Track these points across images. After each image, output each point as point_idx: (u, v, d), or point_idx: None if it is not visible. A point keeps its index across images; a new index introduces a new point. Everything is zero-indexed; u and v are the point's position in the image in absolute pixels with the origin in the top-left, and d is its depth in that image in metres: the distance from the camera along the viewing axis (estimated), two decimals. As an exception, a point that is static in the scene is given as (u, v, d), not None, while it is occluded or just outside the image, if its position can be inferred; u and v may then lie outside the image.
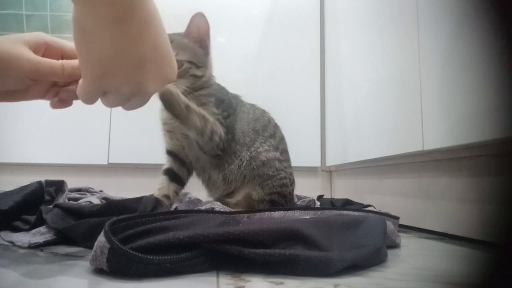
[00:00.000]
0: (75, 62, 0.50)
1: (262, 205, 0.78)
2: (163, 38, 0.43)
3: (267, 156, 0.80)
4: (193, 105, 0.71)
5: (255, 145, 0.81)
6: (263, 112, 0.89)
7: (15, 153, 1.40)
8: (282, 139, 0.87)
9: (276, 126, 0.88)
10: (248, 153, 0.80)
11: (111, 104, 0.45)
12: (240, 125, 0.82)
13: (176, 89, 0.69)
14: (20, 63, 0.47)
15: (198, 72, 0.77)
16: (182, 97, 0.69)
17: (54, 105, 0.54)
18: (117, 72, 0.41)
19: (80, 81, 0.43)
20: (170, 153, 0.83)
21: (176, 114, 0.70)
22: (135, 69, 0.41)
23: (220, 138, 0.76)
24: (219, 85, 0.85)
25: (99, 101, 0.47)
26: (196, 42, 0.78)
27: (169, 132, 0.81)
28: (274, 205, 0.78)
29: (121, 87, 0.42)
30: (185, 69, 0.75)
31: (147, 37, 0.41)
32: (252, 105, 0.89)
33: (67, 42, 0.53)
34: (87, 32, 0.39)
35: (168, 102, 0.68)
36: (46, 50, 0.51)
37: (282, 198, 0.80)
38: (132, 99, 0.45)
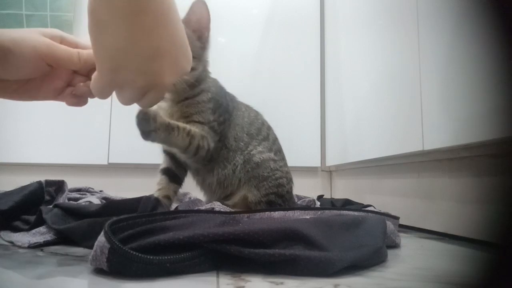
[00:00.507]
0: (91, 50, 0.49)
1: (259, 206, 0.78)
2: (179, 29, 0.43)
3: (261, 158, 0.79)
4: (175, 123, 0.69)
5: (248, 149, 0.80)
6: (257, 114, 0.88)
7: (15, 153, 1.40)
8: (275, 140, 0.87)
9: (269, 128, 0.88)
10: (242, 157, 0.79)
11: (126, 100, 0.44)
12: (234, 131, 0.81)
13: (154, 112, 0.65)
14: (36, 45, 0.46)
15: None
16: (160, 119, 0.66)
17: (69, 102, 0.53)
18: (131, 64, 0.40)
19: (94, 74, 0.43)
20: (166, 151, 0.81)
21: (148, 132, 0.66)
22: (150, 61, 0.41)
23: (208, 151, 0.74)
24: (216, 82, 0.83)
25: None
26: (194, 32, 0.75)
27: None
28: (271, 206, 0.78)
29: (135, 80, 0.41)
30: None
31: (163, 28, 0.40)
32: (247, 107, 0.88)
33: (81, 39, 0.52)
34: (102, 24, 0.38)
35: (143, 121, 0.64)
36: (62, 43, 0.50)
37: (279, 198, 0.80)
38: (147, 93, 0.44)
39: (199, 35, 0.77)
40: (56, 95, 0.52)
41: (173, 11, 0.41)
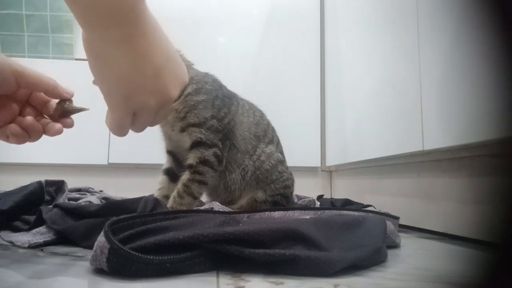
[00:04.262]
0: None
1: (265, 205, 0.78)
2: (169, 45, 0.45)
3: (271, 163, 0.79)
4: (171, 199, 0.72)
5: (257, 152, 0.79)
6: (262, 114, 0.87)
7: (15, 153, 1.40)
8: (278, 142, 0.87)
9: (273, 130, 0.87)
10: (252, 162, 0.78)
11: (143, 125, 0.46)
12: (241, 130, 0.79)
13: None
14: (10, 62, 0.48)
15: None
16: (173, 204, 0.71)
17: (8, 139, 0.52)
18: (140, 87, 0.42)
19: (107, 114, 0.45)
20: (169, 152, 0.82)
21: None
22: (154, 79, 0.43)
23: (216, 155, 0.73)
24: (199, 71, 0.79)
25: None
26: None
27: (166, 135, 0.80)
28: (276, 206, 0.77)
29: (148, 101, 0.43)
30: None
31: (157, 47, 0.42)
32: (251, 105, 0.87)
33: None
34: (102, 57, 0.40)
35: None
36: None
37: (285, 199, 0.80)
38: (158, 112, 0.46)
39: None
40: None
41: (159, 28, 0.44)
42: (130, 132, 0.47)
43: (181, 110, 0.73)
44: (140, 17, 0.40)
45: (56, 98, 0.54)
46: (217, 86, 0.80)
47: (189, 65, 0.78)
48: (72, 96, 0.54)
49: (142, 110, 0.44)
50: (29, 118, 0.51)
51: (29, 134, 0.52)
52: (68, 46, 1.41)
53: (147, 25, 0.41)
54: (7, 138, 0.52)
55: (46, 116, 0.55)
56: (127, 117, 0.44)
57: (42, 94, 0.53)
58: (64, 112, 0.54)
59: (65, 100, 0.54)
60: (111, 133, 0.45)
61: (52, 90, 0.52)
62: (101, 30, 0.39)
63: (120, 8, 0.37)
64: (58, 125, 0.53)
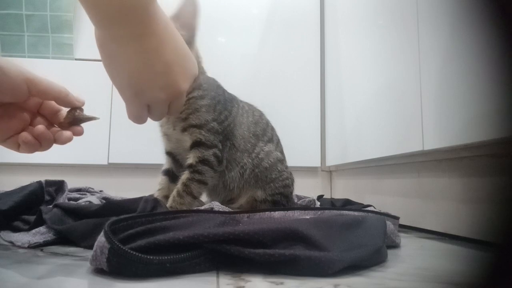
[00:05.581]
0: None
1: (265, 205, 0.78)
2: (179, 40, 0.47)
3: (270, 162, 0.79)
4: (171, 198, 0.72)
5: (255, 151, 0.80)
6: (261, 114, 0.88)
7: (15, 153, 1.40)
8: (278, 141, 0.87)
9: (273, 129, 0.88)
10: (250, 160, 0.78)
11: (158, 115, 0.49)
12: (241, 130, 0.80)
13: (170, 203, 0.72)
14: (22, 69, 0.48)
15: None
16: (173, 203, 0.71)
17: (19, 148, 0.53)
18: (150, 83, 0.44)
19: (126, 108, 0.48)
20: (169, 153, 0.82)
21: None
22: (164, 75, 0.45)
23: (216, 156, 0.74)
24: (211, 80, 0.82)
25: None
26: (184, 27, 0.73)
27: (166, 135, 0.80)
28: (276, 206, 0.78)
29: (158, 95, 0.46)
30: None
31: (167, 44, 0.44)
32: (250, 106, 0.88)
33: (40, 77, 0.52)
34: (112, 54, 0.42)
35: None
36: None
37: (285, 198, 0.80)
38: (171, 103, 0.48)
39: (189, 27, 0.76)
40: (9, 134, 0.52)
41: (170, 26, 0.45)
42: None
43: (184, 112, 0.74)
44: (151, 16, 0.41)
45: (67, 106, 0.54)
46: (220, 91, 0.82)
47: (202, 73, 0.81)
48: (83, 104, 0.55)
49: (154, 104, 0.47)
50: (41, 127, 0.52)
51: (40, 143, 0.52)
52: (68, 46, 1.41)
53: (157, 23, 0.42)
54: (18, 148, 0.53)
55: (55, 125, 0.55)
56: (141, 110, 0.47)
57: (53, 103, 0.53)
58: (74, 120, 0.54)
59: (76, 108, 0.54)
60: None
61: (63, 98, 0.52)
62: (111, 29, 0.40)
63: (131, 8, 0.38)
64: (68, 133, 0.53)
